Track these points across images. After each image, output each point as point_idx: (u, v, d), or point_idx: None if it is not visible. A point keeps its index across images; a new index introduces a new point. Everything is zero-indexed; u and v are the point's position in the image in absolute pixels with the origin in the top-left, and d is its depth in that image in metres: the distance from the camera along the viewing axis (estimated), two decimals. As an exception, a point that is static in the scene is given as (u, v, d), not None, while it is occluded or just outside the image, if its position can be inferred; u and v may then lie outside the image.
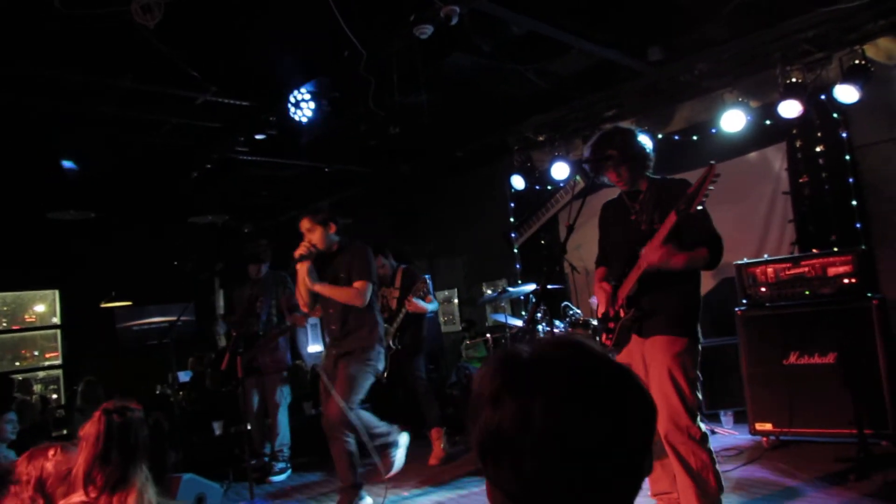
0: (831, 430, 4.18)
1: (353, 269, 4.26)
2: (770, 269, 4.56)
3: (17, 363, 9.61)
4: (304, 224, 4.32)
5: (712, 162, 2.84)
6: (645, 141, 3.26)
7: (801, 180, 5.58)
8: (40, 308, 9.92)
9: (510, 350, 0.89)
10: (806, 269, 4.39)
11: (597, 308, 5.58)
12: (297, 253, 4.22)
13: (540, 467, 0.79)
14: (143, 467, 1.81)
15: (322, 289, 4.25)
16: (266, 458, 5.65)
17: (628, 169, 3.19)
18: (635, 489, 0.86)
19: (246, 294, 5.66)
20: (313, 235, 4.28)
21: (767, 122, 5.59)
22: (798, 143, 5.59)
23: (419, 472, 5.10)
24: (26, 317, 9.85)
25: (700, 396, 3.04)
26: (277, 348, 5.73)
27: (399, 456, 4.31)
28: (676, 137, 6.16)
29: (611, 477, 0.82)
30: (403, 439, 4.36)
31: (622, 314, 3.15)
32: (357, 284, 4.20)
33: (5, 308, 9.71)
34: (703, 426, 2.97)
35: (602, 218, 3.50)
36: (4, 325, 9.66)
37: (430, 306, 5.51)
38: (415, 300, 5.36)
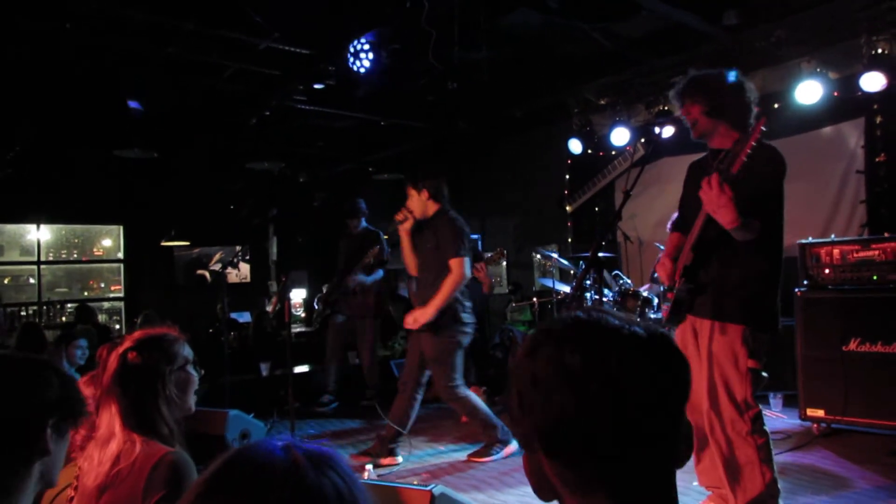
0: (887, 423, 4.01)
1: (441, 242, 4.13)
2: (836, 251, 4.34)
3: (86, 293, 10.14)
4: (408, 189, 4.27)
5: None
6: (735, 87, 2.81)
7: (878, 159, 5.29)
8: (107, 242, 10.37)
9: (539, 327, 0.91)
10: (876, 252, 4.15)
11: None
12: (396, 218, 4.26)
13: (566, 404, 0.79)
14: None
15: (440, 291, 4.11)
16: (331, 396, 6.11)
17: (709, 122, 2.81)
18: (655, 463, 0.82)
19: (347, 247, 6.25)
20: (410, 201, 4.23)
21: (847, 95, 5.27)
22: (878, 120, 5.27)
23: (456, 429, 5.18)
24: (94, 250, 10.34)
25: (752, 388, 2.73)
26: (366, 294, 6.07)
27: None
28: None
29: (627, 440, 0.79)
30: (512, 447, 4.32)
31: (677, 285, 2.89)
32: (452, 263, 4.07)
33: (76, 240, 10.19)
34: (753, 421, 2.72)
35: (686, 177, 3.12)
36: (75, 255, 10.16)
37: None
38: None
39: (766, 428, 2.78)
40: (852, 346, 4.15)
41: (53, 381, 1.26)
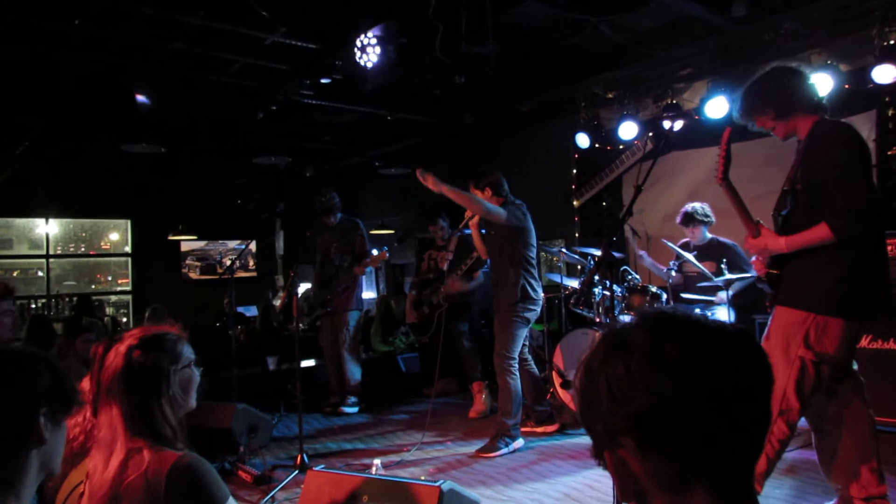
0: (899, 421, 3.98)
1: (505, 232, 4.51)
2: (846, 246, 4.30)
3: (93, 286, 10.22)
4: (470, 188, 4.59)
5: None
6: (789, 79, 2.73)
7: (889, 153, 5.22)
8: (114, 236, 10.43)
9: (606, 330, 0.92)
10: (888, 248, 4.11)
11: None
12: (466, 215, 4.62)
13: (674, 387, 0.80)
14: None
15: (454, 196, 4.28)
16: (355, 398, 5.93)
17: (786, 123, 2.74)
18: (746, 453, 0.84)
19: (324, 242, 6.05)
20: None
21: (858, 87, 5.21)
22: (890, 112, 5.21)
23: (463, 424, 5.19)
24: (102, 244, 10.40)
25: (800, 381, 2.57)
26: (350, 288, 5.93)
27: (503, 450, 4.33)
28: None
29: (722, 424, 0.81)
30: (519, 442, 4.40)
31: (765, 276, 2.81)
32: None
33: (83, 234, 10.27)
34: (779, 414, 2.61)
35: None
36: (83, 249, 10.22)
37: (471, 284, 5.74)
38: (458, 280, 5.54)
39: (794, 431, 2.66)
40: (864, 343, 4.11)
41: (43, 371, 1.27)
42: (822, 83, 5.13)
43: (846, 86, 5.23)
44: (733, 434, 0.82)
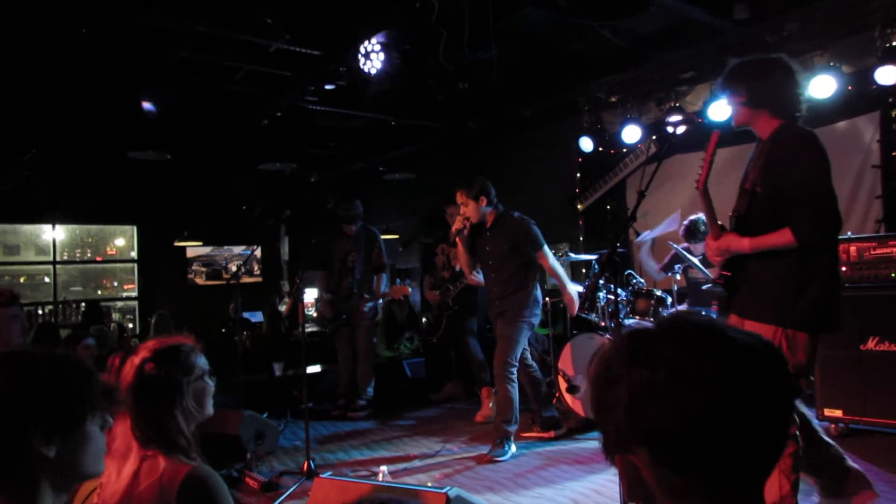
0: (908, 423, 3.96)
1: (522, 242, 4.46)
2: (853, 248, 4.29)
3: (99, 292, 10.24)
4: (459, 197, 4.54)
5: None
6: (777, 73, 2.67)
7: (893, 153, 5.22)
8: (120, 242, 10.46)
9: (629, 330, 0.89)
10: (894, 249, 4.10)
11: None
12: (455, 227, 4.57)
13: (697, 406, 0.78)
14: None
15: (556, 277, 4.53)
16: (364, 401, 5.96)
17: (748, 112, 2.70)
18: (757, 473, 0.83)
19: (341, 249, 6.00)
20: (467, 209, 4.50)
21: (861, 89, 5.21)
22: (894, 113, 5.21)
23: (469, 429, 5.18)
24: (108, 249, 10.43)
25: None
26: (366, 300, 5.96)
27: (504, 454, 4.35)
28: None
29: (743, 447, 0.80)
30: (513, 448, 4.42)
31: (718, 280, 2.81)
32: (540, 256, 4.44)
33: (90, 240, 10.30)
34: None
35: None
36: (89, 255, 10.26)
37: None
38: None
39: (796, 435, 2.66)
40: (870, 344, 4.10)
41: (36, 382, 1.13)
42: (826, 85, 5.13)
43: (849, 87, 5.23)
44: (747, 457, 0.80)
